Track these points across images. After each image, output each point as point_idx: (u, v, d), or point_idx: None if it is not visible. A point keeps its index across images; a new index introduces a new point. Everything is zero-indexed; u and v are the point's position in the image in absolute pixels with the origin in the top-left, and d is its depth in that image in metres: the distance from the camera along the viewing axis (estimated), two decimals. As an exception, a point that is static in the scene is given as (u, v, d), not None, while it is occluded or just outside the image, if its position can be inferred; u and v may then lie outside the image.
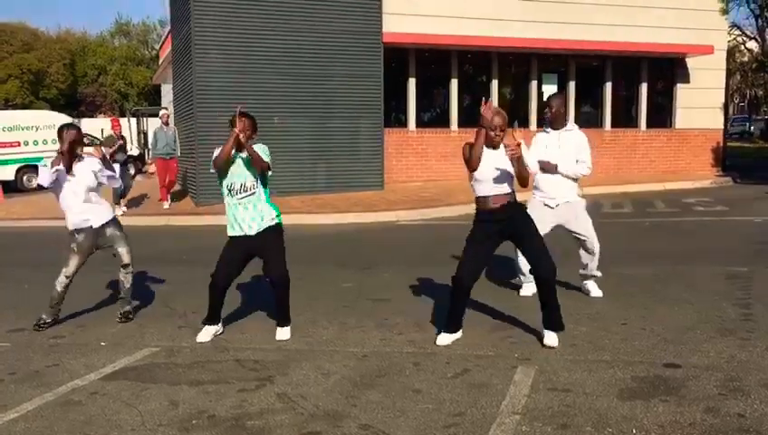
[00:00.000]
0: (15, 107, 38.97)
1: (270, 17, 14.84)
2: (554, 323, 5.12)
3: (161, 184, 14.31)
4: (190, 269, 8.32)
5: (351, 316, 6.14)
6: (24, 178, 21.47)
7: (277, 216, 5.50)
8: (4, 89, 44.63)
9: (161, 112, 14.84)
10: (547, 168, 6.25)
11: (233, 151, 5.31)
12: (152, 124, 30.67)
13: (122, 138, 15.00)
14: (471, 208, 5.25)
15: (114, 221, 6.21)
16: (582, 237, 6.42)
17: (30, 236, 12.09)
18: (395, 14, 16.19)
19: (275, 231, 5.48)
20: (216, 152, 5.32)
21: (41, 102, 45.05)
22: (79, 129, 6.10)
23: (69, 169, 5.87)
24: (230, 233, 5.49)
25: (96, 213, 6.05)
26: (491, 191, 5.06)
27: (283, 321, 5.62)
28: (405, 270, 7.89)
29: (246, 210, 5.38)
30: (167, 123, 14.10)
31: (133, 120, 28.89)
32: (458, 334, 5.29)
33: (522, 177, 5.01)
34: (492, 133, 4.96)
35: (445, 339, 5.24)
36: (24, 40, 47.20)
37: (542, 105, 18.01)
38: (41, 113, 24.58)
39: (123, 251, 6.16)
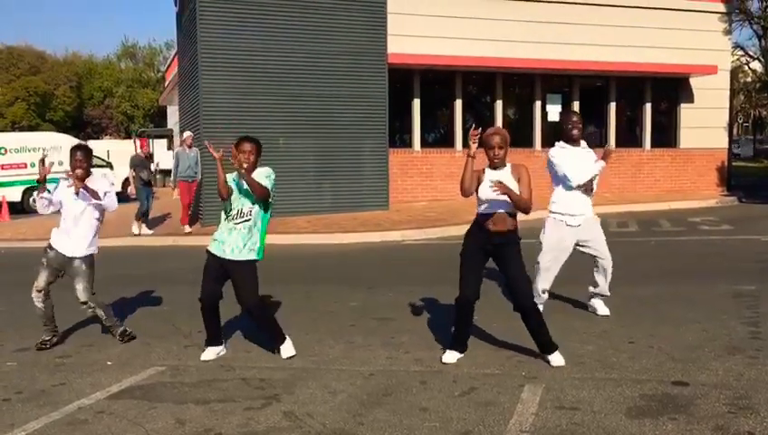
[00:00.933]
0: (22, 129, 39.23)
1: (275, 39, 14.95)
2: (548, 345, 5.11)
3: (183, 206, 14.21)
4: (195, 289, 8.25)
5: (357, 335, 6.13)
6: (31, 199, 21.51)
7: (259, 250, 5.43)
8: (11, 111, 44.99)
9: (185, 135, 14.76)
10: (593, 180, 6.17)
11: (228, 177, 5.35)
12: (158, 146, 30.94)
13: (149, 156, 15.08)
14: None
15: (86, 258, 6.03)
16: (599, 256, 6.37)
17: (35, 257, 12.05)
18: (400, 35, 16.29)
19: (248, 266, 5.39)
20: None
21: (47, 124, 45.34)
22: (83, 148, 5.99)
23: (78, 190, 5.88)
24: (209, 248, 5.49)
25: (76, 244, 5.98)
26: (490, 210, 5.08)
27: (278, 341, 5.55)
28: (411, 289, 7.87)
29: (231, 235, 5.36)
30: (190, 146, 14.02)
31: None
32: (463, 353, 5.28)
33: (521, 208, 5.02)
34: (490, 154, 5.03)
35: (450, 357, 5.23)
36: (31, 63, 47.66)
37: (548, 125, 18.15)
38: (48, 135, 24.69)
39: (80, 288, 6.01)
